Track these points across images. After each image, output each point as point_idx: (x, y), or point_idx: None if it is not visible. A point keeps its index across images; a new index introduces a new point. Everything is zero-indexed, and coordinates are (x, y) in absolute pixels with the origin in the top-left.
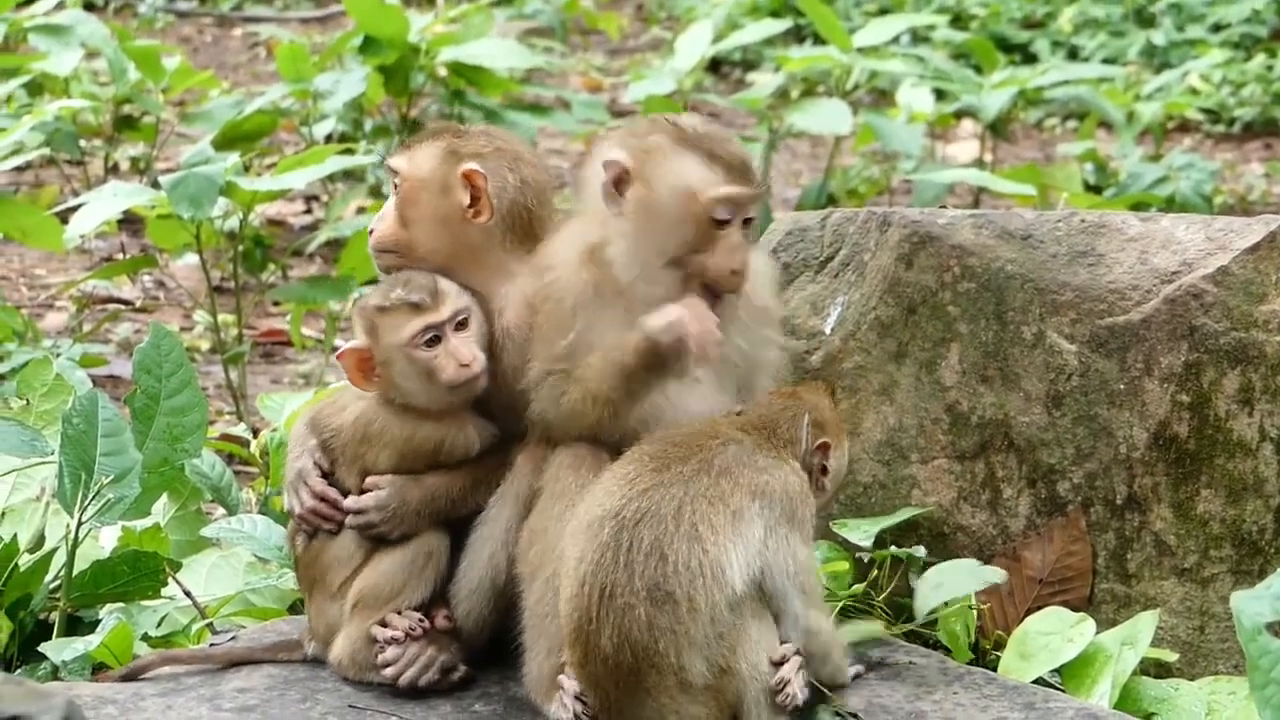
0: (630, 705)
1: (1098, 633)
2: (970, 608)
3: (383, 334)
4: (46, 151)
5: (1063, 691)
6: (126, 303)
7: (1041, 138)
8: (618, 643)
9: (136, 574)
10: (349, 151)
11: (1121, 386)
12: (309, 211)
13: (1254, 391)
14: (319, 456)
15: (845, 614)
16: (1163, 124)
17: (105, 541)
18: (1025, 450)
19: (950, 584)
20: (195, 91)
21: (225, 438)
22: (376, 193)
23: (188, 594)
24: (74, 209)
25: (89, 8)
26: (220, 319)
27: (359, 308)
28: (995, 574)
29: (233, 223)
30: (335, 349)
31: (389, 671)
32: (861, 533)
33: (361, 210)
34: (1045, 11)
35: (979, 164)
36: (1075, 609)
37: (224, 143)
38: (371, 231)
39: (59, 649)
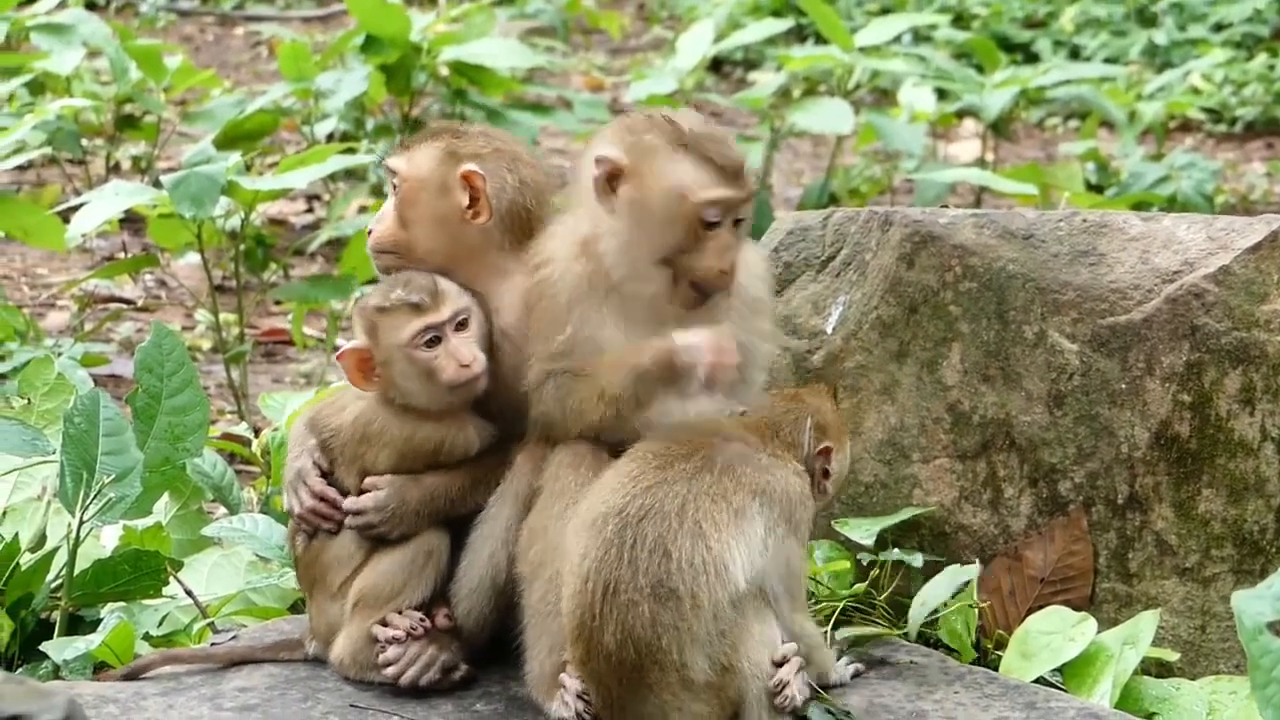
0: (632, 702)
1: (1099, 632)
2: (971, 607)
3: (383, 334)
4: (48, 151)
5: (1064, 691)
6: (128, 302)
7: (1043, 137)
8: (620, 639)
9: (138, 573)
10: (350, 151)
11: (1123, 386)
12: (310, 211)
13: (1255, 391)
14: (318, 456)
15: (845, 613)
16: (1164, 123)
17: (107, 541)
18: (1027, 450)
19: (932, 597)
20: (197, 91)
21: (227, 437)
22: (378, 192)
23: (189, 593)
24: (76, 208)
25: (91, 7)
26: (222, 318)
27: (359, 308)
28: (969, 571)
29: (234, 222)
30: (336, 348)
31: (390, 671)
32: (863, 532)
33: (363, 209)
34: (1047, 11)
35: (980, 163)
36: (1076, 608)
37: (225, 142)
38: (370, 232)
39: (60, 648)
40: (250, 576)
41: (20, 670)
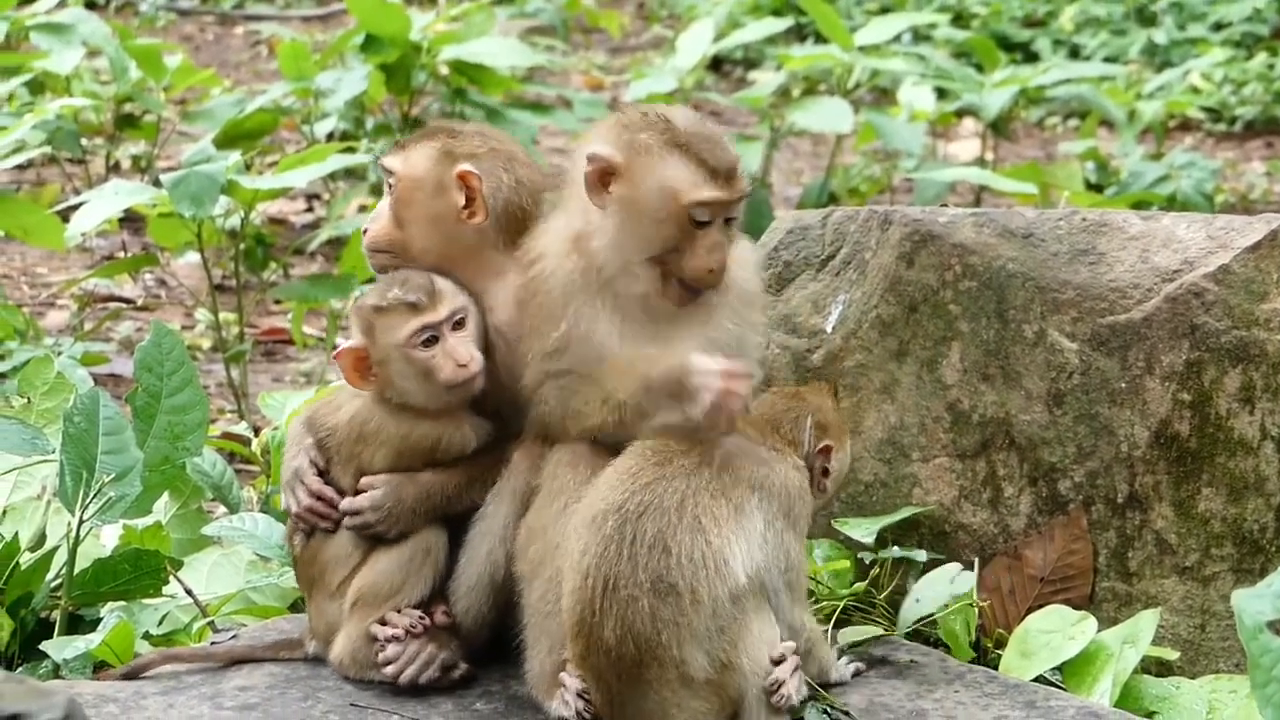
0: (632, 699)
1: (1099, 631)
2: (971, 606)
3: (380, 334)
4: (48, 150)
5: (1064, 690)
6: (128, 301)
7: (1043, 136)
8: (620, 634)
9: (138, 572)
10: (350, 150)
11: (1123, 385)
12: (310, 210)
13: (1255, 390)
14: (315, 455)
15: (845, 612)
16: (1164, 123)
17: (106, 540)
18: (1026, 449)
19: (927, 596)
20: (197, 90)
21: (226, 436)
22: (378, 191)
23: (189, 592)
24: (75, 207)
25: (90, 6)
26: (221, 317)
27: (356, 307)
28: (967, 579)
29: (234, 221)
30: (336, 348)
31: (389, 670)
32: (863, 531)
33: (363, 209)
34: (1046, 10)
35: (980, 163)
36: (1076, 607)
37: (225, 141)
38: (365, 231)
39: (60, 647)
40: (250, 575)
41: (20, 669)
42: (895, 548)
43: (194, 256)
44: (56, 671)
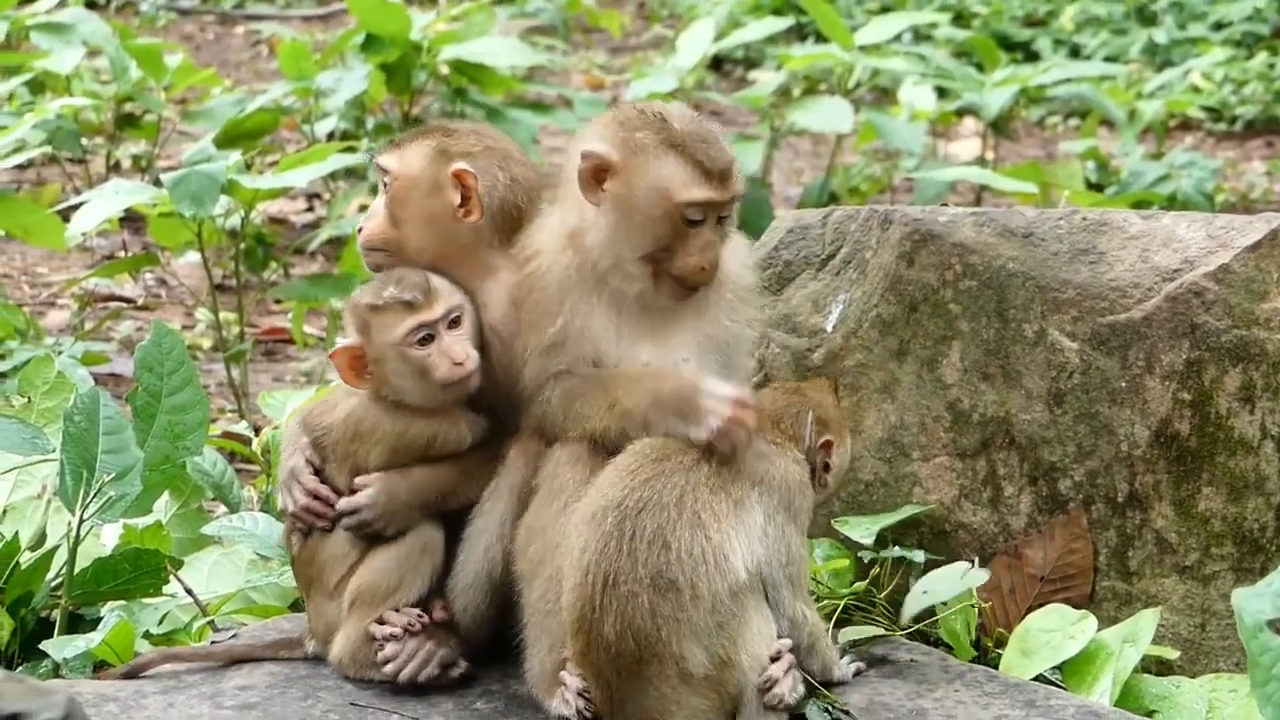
0: (633, 695)
1: (1099, 630)
2: (972, 605)
3: (375, 332)
4: (48, 149)
5: (1064, 689)
6: (128, 300)
7: (1043, 136)
8: (620, 630)
9: (138, 571)
10: (351, 149)
11: (1123, 384)
12: (311, 209)
13: (1255, 389)
14: (310, 454)
15: (846, 612)
16: (1164, 122)
17: (107, 539)
18: (1027, 448)
19: (935, 590)
20: (197, 89)
21: (227, 435)
22: (378, 190)
23: (189, 591)
24: (76, 207)
25: (91, 6)
26: (222, 317)
27: (351, 305)
28: (979, 575)
29: (234, 221)
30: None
31: (389, 668)
32: (863, 530)
33: (363, 208)
34: (1047, 9)
35: (980, 162)
36: (1076, 606)
37: (226, 141)
38: (360, 230)
39: (60, 646)
40: (250, 575)
41: (20, 669)
42: (895, 547)
43: (194, 256)
44: (56, 671)
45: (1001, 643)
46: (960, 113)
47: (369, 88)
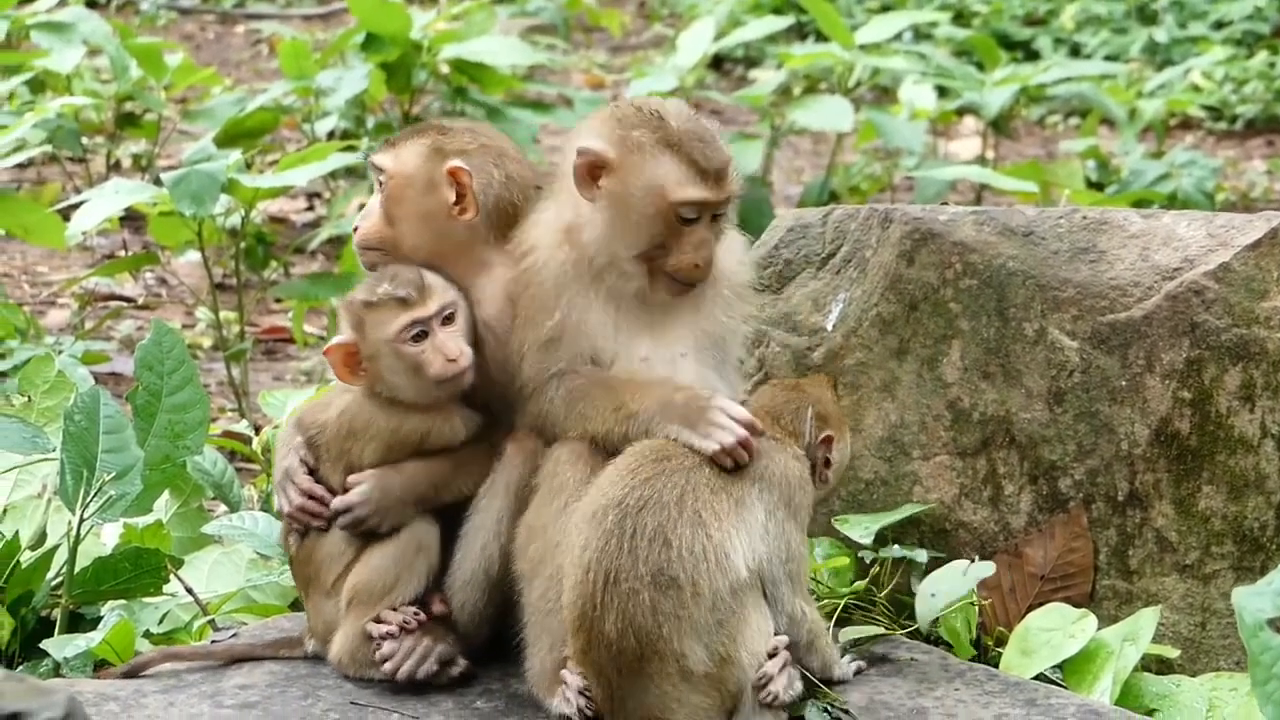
0: (633, 693)
1: (1099, 629)
2: (972, 604)
3: (369, 329)
4: (49, 149)
5: (1064, 688)
6: (128, 300)
7: (1043, 135)
8: (621, 628)
9: (138, 571)
10: (351, 149)
11: (1123, 383)
12: (311, 209)
13: (1255, 388)
14: (305, 454)
15: (846, 611)
16: (1165, 121)
17: (107, 538)
18: (1027, 447)
19: (945, 590)
20: (197, 89)
21: (227, 435)
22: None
23: (189, 591)
24: (76, 206)
25: (91, 5)
26: (222, 316)
27: (345, 302)
28: (984, 569)
29: (234, 220)
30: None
31: (387, 666)
32: (863, 529)
33: (363, 207)
34: (1047, 8)
35: (981, 161)
36: (1077, 605)
37: (226, 140)
38: (356, 229)
39: (61, 646)
40: (250, 574)
41: (21, 668)
42: (896, 546)
43: (195, 255)
44: (57, 670)
45: (1002, 641)
46: (960, 112)
47: (369, 87)
